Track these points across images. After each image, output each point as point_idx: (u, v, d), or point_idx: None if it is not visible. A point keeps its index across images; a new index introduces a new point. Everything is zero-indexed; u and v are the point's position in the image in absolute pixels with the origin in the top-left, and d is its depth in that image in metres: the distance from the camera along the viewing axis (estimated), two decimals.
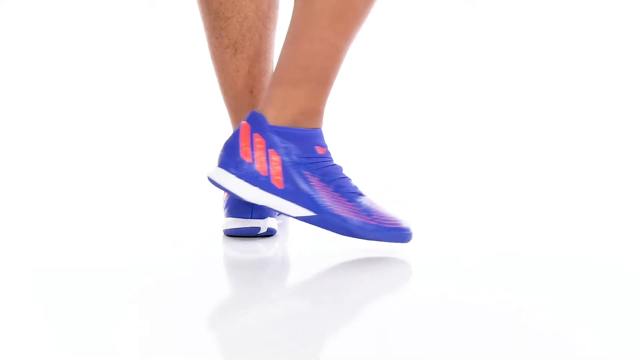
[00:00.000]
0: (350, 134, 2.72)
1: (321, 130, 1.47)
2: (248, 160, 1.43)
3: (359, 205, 1.44)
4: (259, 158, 1.43)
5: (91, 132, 2.73)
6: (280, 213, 1.49)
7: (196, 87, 3.01)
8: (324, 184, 1.43)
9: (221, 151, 1.46)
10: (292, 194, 1.43)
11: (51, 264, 1.47)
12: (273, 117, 1.43)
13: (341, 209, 1.43)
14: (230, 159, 1.44)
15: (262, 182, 1.43)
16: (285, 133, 1.43)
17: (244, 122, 1.45)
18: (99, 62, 3.05)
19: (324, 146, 1.46)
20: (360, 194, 1.46)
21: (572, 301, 1.27)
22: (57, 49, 3.07)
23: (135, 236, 1.66)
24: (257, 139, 1.43)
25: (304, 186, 1.43)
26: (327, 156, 1.46)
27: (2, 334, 1.16)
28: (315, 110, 1.45)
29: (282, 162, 1.43)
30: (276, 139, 1.43)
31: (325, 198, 1.43)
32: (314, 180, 1.43)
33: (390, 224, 1.45)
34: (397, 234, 1.45)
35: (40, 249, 1.57)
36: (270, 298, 1.33)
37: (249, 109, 1.60)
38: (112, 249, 1.56)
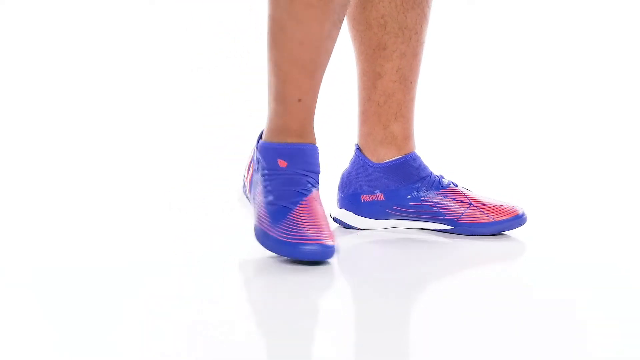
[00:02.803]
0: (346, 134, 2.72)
1: (287, 145, 1.53)
2: (245, 173, 1.60)
3: (270, 215, 1.49)
4: (248, 171, 1.59)
5: (91, 132, 2.73)
6: None
7: (196, 87, 3.01)
8: (262, 196, 1.53)
9: None
10: (252, 203, 1.56)
11: (51, 264, 1.46)
12: (264, 133, 1.57)
13: (260, 219, 1.51)
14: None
15: (245, 193, 1.59)
16: (261, 147, 1.55)
17: None
18: (99, 61, 3.05)
19: (285, 160, 1.53)
20: (278, 210, 1.49)
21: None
22: (57, 49, 3.07)
23: (136, 236, 1.65)
24: (253, 154, 1.59)
25: (252, 197, 1.55)
26: (287, 169, 1.52)
27: (2, 334, 1.16)
28: (281, 126, 1.54)
29: (252, 174, 1.57)
30: (257, 153, 1.56)
31: (257, 208, 1.52)
32: (257, 192, 1.54)
33: (297, 238, 1.46)
34: (293, 249, 1.46)
35: (40, 249, 1.57)
36: (267, 297, 1.33)
37: None
38: (113, 249, 1.56)
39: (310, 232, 1.47)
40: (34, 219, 1.79)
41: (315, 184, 1.54)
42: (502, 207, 1.62)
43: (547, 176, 2.22)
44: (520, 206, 1.63)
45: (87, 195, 2.01)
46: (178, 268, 1.46)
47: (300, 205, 1.50)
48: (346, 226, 1.67)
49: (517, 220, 1.61)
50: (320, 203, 1.53)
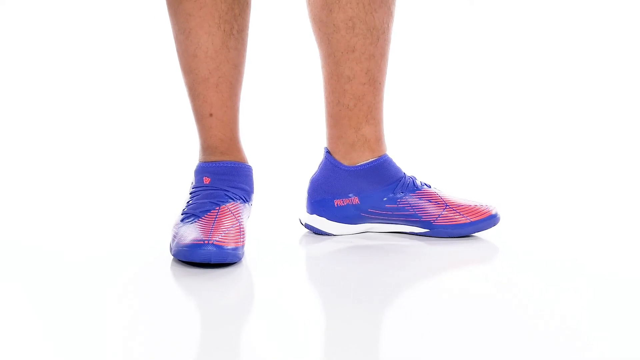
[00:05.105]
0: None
1: (212, 163, 1.56)
2: None
3: (177, 224, 1.50)
4: None
5: (91, 132, 2.73)
6: None
7: None
8: (179, 212, 1.55)
9: None
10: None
11: (51, 264, 1.48)
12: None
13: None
14: None
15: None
16: (194, 170, 1.59)
17: None
18: (100, 62, 3.05)
19: (209, 177, 1.55)
20: (185, 218, 1.50)
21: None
22: (57, 49, 3.08)
23: (136, 236, 1.66)
24: None
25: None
26: (209, 185, 1.53)
27: (2, 334, 1.18)
28: (204, 146, 1.58)
29: None
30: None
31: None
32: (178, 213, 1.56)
33: (179, 241, 1.46)
34: (176, 251, 1.45)
35: (40, 248, 1.58)
36: (265, 297, 1.34)
37: None
38: (113, 249, 1.57)
39: (192, 235, 1.44)
40: (34, 218, 1.81)
41: (237, 198, 1.53)
42: (477, 208, 1.59)
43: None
44: (492, 205, 1.62)
45: (88, 195, 2.02)
46: (178, 268, 1.45)
47: (208, 214, 1.49)
48: (317, 232, 1.64)
49: (492, 219, 1.60)
50: (236, 213, 1.49)
